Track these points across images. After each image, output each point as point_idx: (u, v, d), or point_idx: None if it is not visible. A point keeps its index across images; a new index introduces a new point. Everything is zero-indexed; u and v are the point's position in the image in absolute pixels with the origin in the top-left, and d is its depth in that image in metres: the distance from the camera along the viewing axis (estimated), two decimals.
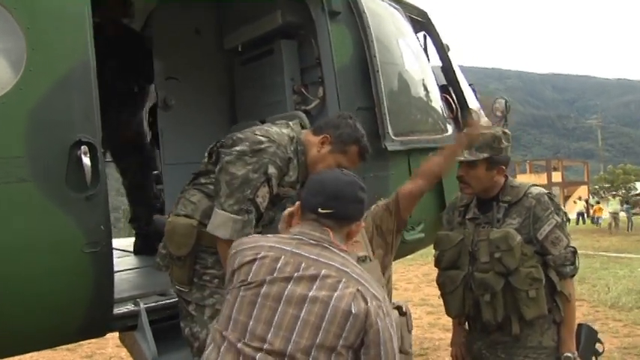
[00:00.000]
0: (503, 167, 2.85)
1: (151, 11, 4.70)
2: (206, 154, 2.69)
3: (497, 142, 2.81)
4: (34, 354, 5.90)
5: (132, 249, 4.76)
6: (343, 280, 1.73)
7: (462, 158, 2.82)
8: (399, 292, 9.46)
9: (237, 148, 2.47)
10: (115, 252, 4.91)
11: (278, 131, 2.60)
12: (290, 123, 2.73)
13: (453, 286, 2.85)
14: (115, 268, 4.05)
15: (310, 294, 1.70)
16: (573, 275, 2.80)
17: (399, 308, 2.59)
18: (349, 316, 1.68)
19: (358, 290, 1.72)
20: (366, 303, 1.71)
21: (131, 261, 4.50)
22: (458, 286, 2.83)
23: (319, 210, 1.85)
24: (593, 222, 30.19)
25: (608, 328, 6.81)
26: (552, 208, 2.75)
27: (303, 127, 2.81)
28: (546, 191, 2.83)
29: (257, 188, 2.45)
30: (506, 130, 2.92)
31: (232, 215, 2.41)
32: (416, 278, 10.72)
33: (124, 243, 5.19)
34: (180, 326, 2.69)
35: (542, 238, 2.72)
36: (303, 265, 1.76)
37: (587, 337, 2.92)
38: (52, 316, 2.61)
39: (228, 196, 2.43)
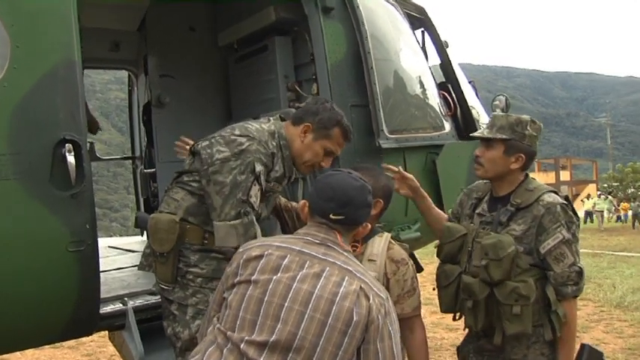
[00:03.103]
0: (523, 156, 2.61)
1: (147, 9, 4.68)
2: (189, 154, 2.68)
3: (521, 127, 2.61)
4: (35, 351, 5.89)
5: (127, 248, 4.74)
6: (346, 277, 1.79)
7: (480, 135, 2.69)
8: None
9: (219, 157, 2.45)
10: (110, 250, 4.95)
11: (258, 127, 2.58)
12: (271, 118, 2.71)
13: (446, 281, 2.73)
14: (109, 267, 4.05)
15: (315, 292, 1.75)
16: (575, 297, 2.56)
17: None
18: (353, 313, 1.73)
19: (361, 288, 1.77)
20: (368, 300, 1.76)
21: (125, 259, 4.48)
22: (452, 282, 2.69)
23: (331, 216, 1.91)
24: (619, 220, 29.98)
25: (613, 328, 6.73)
26: (562, 222, 2.51)
27: (283, 119, 2.77)
28: (562, 201, 2.57)
29: (248, 188, 2.44)
30: (536, 120, 2.69)
31: (232, 222, 2.41)
32: (420, 277, 10.62)
33: (119, 241, 5.19)
34: (163, 326, 2.67)
35: (545, 252, 2.51)
36: (307, 263, 1.81)
37: None
38: (36, 315, 2.59)
39: (222, 205, 2.43)
